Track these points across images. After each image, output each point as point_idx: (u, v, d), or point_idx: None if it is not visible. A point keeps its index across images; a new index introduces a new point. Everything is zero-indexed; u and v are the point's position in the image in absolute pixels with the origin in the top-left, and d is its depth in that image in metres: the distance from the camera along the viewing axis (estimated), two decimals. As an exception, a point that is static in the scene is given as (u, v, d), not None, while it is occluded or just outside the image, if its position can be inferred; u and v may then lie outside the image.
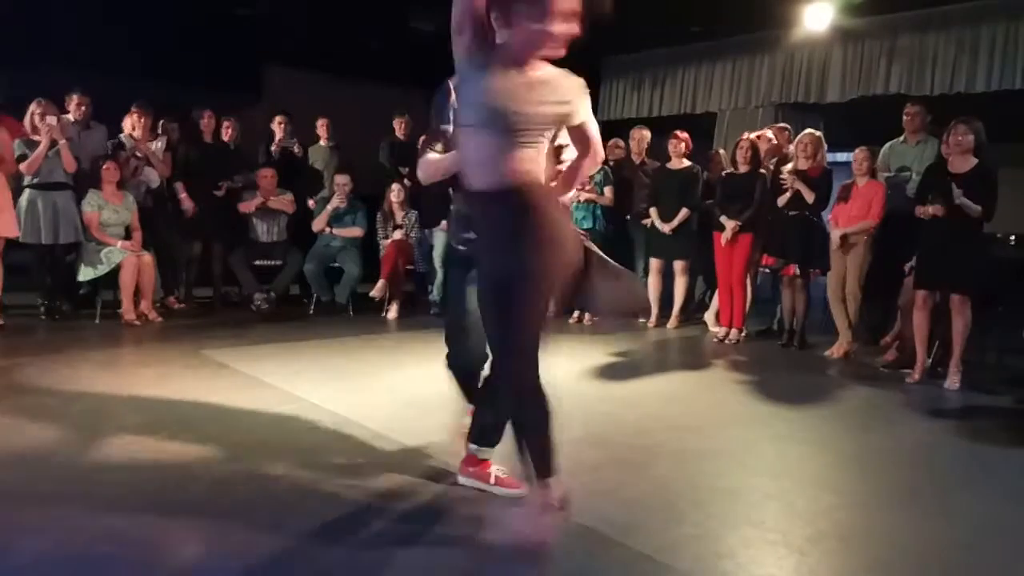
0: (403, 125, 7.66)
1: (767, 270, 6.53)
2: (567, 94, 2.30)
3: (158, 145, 6.71)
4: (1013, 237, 8.10)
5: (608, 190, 6.89)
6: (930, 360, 5.19)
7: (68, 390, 4.13)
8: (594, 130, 2.45)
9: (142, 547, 2.43)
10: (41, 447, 3.27)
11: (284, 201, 7.07)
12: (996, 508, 3.06)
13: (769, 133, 6.81)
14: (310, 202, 7.34)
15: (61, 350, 5.08)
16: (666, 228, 6.65)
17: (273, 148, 7.40)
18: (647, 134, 7.37)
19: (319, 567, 2.37)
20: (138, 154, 6.53)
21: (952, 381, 4.96)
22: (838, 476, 3.41)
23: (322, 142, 7.71)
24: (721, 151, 7.42)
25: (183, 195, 6.74)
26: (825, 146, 6.07)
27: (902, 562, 2.56)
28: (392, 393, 4.43)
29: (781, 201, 5.93)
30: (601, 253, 2.58)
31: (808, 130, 6.15)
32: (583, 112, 2.38)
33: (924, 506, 3.06)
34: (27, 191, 5.95)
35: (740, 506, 2.87)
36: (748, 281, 6.37)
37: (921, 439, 4.05)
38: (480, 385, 2.92)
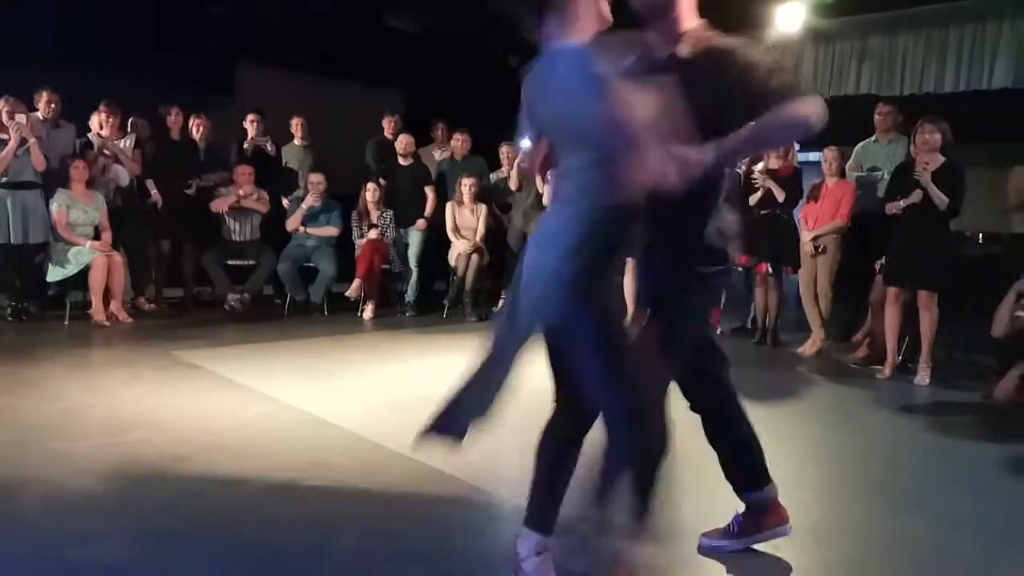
0: (392, 124, 7.61)
1: (739, 268, 6.58)
2: None
3: (127, 143, 6.63)
4: (981, 235, 8.22)
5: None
6: (900, 357, 5.27)
7: (37, 392, 4.07)
8: None
9: (113, 552, 2.40)
10: (9, 451, 3.22)
11: (258, 201, 7.00)
12: (967, 502, 3.11)
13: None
14: (284, 201, 7.29)
15: (29, 352, 5.00)
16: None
17: (246, 146, 7.34)
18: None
19: (294, 568, 2.35)
20: (106, 152, 6.44)
21: (922, 377, 5.04)
22: (810, 472, 3.45)
23: (296, 141, 7.65)
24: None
25: (153, 190, 6.66)
26: (796, 145, 6.13)
27: (874, 557, 2.60)
28: (367, 393, 4.41)
29: (752, 200, 5.98)
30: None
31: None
32: None
33: (896, 501, 3.10)
34: (-5, 190, 5.86)
35: (713, 503, 2.88)
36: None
37: (892, 435, 4.10)
38: None
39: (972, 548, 2.70)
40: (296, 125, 7.60)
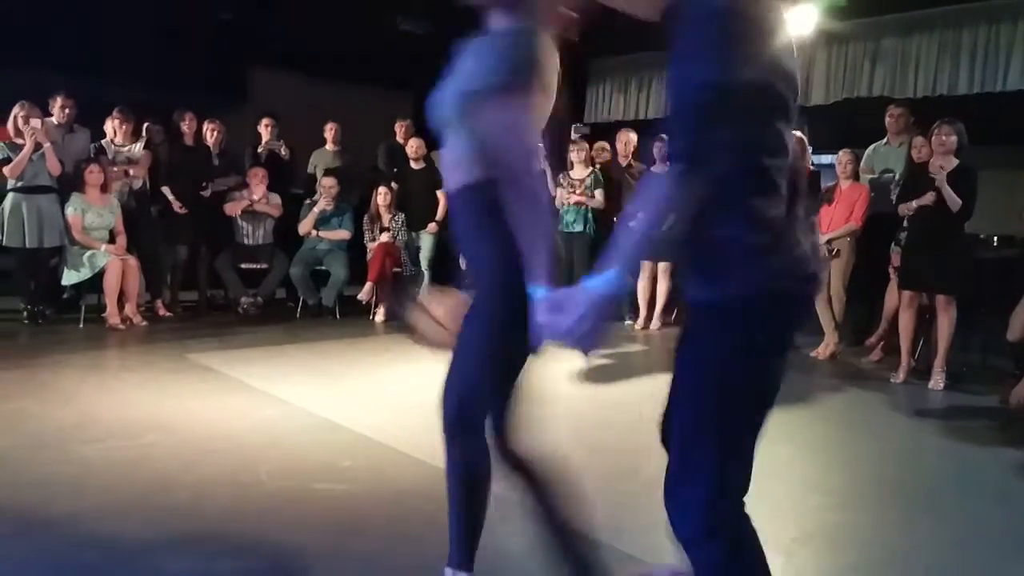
0: (404, 129, 7.63)
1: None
2: None
3: (136, 147, 6.62)
4: (996, 238, 8.16)
5: (599, 193, 6.92)
6: (914, 360, 5.23)
7: (51, 395, 4.09)
8: None
9: (126, 553, 2.41)
10: (24, 453, 3.24)
11: (271, 205, 7.03)
12: (981, 507, 3.08)
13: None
14: (308, 201, 7.30)
15: (44, 355, 5.04)
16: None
17: (260, 150, 7.36)
18: (634, 137, 7.40)
19: (306, 570, 2.36)
20: (116, 168, 6.41)
21: (936, 381, 5.00)
22: (824, 477, 3.43)
23: (328, 146, 7.62)
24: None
25: (170, 196, 6.66)
26: (810, 148, 6.10)
27: (889, 562, 2.58)
28: (378, 395, 4.42)
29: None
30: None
31: (793, 131, 6.19)
32: None
33: (910, 506, 3.08)
34: (11, 195, 5.90)
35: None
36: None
37: (907, 439, 4.08)
38: None
39: (988, 553, 2.68)
40: (329, 130, 7.60)
